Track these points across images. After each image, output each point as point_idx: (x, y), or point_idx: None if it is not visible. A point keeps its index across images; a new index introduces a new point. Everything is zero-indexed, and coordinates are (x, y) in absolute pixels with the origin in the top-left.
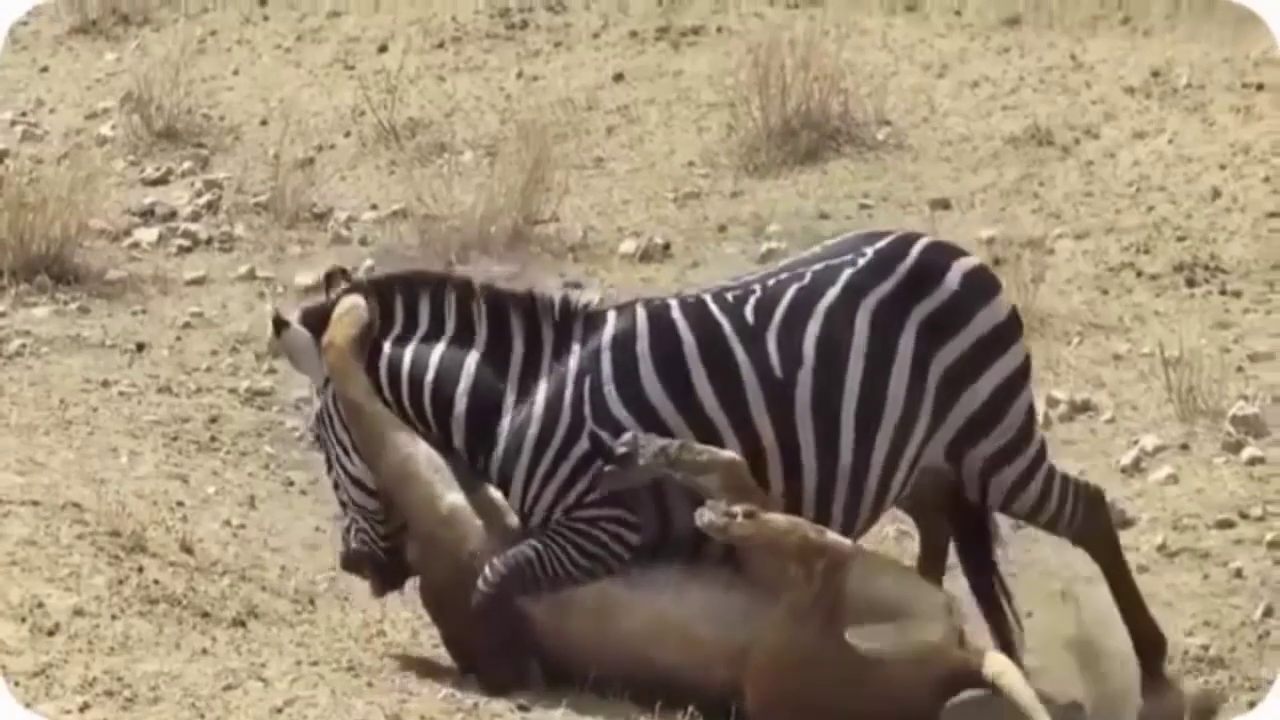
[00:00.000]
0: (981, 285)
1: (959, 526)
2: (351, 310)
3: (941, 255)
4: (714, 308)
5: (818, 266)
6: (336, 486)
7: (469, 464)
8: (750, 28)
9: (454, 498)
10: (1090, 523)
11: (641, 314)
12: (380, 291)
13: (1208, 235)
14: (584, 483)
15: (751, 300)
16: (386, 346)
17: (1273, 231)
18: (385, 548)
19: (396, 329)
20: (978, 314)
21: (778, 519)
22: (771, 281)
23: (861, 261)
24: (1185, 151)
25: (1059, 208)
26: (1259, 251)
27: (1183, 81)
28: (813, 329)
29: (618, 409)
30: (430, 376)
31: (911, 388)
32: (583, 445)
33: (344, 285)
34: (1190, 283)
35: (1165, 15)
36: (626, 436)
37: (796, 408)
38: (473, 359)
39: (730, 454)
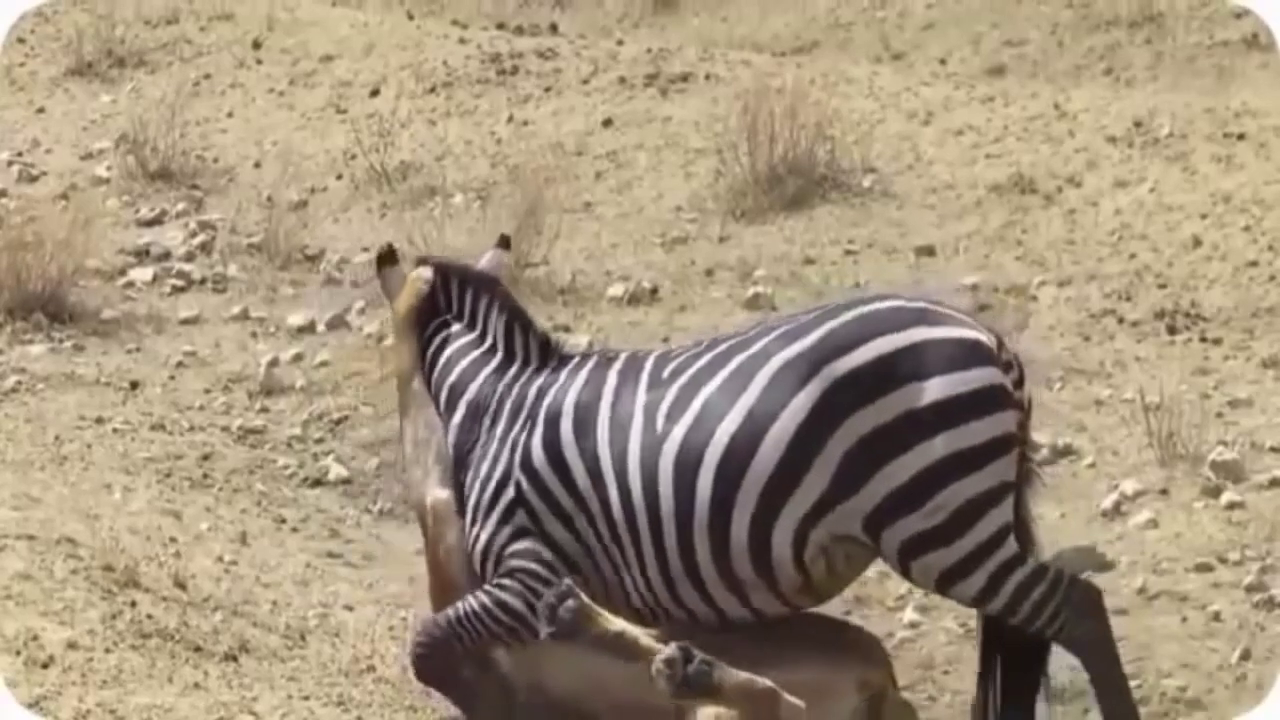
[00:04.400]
0: (929, 358)
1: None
2: (417, 279)
3: (880, 321)
4: (648, 362)
5: (774, 325)
6: None
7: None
8: (738, 75)
9: (440, 493)
10: (1078, 626)
11: (589, 365)
12: (460, 280)
13: (1188, 283)
14: (506, 532)
15: (683, 356)
16: (446, 330)
17: (1253, 280)
18: None
19: (461, 320)
20: (909, 385)
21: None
22: (723, 338)
23: (804, 319)
24: (1166, 200)
25: (1042, 255)
26: (1239, 299)
27: (1164, 131)
28: (712, 384)
29: (539, 459)
30: (453, 378)
31: (797, 446)
32: (509, 492)
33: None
34: (1171, 330)
35: (1147, 66)
36: (570, 604)
37: (661, 463)
38: (485, 373)
39: (667, 650)
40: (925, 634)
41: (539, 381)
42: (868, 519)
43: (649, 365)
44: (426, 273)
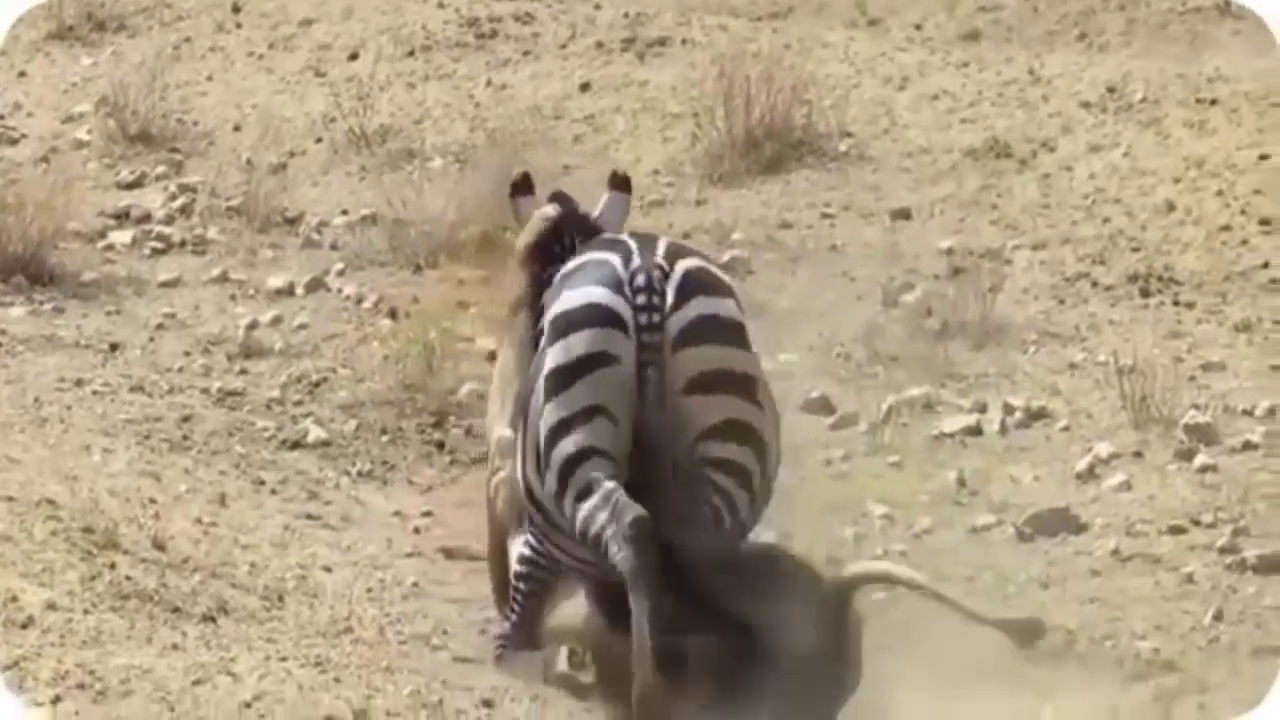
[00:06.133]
0: (569, 277)
1: None
2: (537, 218)
3: (587, 246)
4: None
5: None
6: None
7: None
8: (715, 40)
9: (505, 432)
10: (620, 555)
11: None
12: (575, 232)
13: (1162, 247)
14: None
15: None
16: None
17: (1225, 244)
18: None
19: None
20: (559, 297)
21: None
22: None
23: None
24: (1140, 165)
25: (1016, 219)
26: (1211, 263)
27: (1138, 96)
28: None
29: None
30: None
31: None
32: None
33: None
34: (1144, 293)
35: (1121, 31)
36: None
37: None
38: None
39: None
40: (901, 596)
41: None
42: None
43: None
44: (550, 210)
